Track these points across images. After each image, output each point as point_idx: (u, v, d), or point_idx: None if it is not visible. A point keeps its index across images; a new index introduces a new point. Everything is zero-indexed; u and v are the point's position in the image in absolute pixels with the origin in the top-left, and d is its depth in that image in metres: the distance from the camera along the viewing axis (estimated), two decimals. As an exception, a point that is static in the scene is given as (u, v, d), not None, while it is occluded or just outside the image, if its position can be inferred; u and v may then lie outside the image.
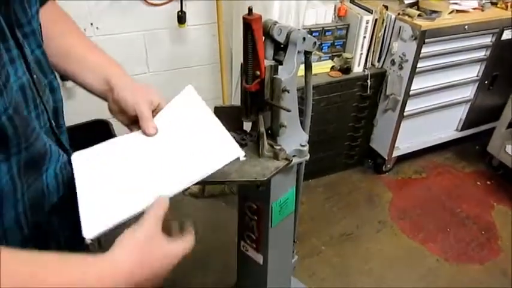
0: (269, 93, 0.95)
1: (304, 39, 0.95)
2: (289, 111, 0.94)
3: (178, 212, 2.02)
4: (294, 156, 1.07)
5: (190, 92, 0.86)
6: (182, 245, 0.62)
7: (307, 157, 1.10)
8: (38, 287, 0.46)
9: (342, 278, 1.82)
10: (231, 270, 1.42)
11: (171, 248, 0.60)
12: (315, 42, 1.00)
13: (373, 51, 2.12)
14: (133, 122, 0.78)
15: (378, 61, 2.16)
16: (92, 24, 1.81)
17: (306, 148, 1.08)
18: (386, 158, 2.35)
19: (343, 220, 2.13)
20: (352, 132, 2.30)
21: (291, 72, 0.93)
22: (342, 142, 2.32)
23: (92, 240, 0.59)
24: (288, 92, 0.94)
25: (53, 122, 0.68)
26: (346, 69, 2.08)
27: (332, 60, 2.16)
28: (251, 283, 1.41)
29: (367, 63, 2.14)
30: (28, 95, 0.60)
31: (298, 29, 0.94)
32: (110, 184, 0.67)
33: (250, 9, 0.84)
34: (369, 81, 2.11)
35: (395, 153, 2.36)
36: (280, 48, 0.96)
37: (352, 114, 2.22)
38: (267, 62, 0.92)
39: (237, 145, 0.71)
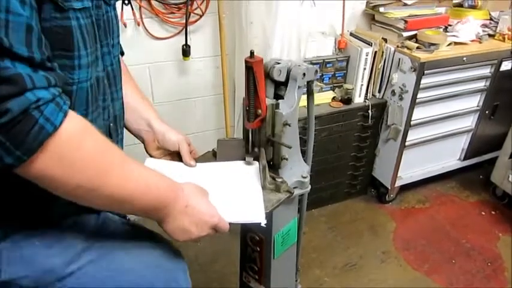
0: (270, 130, 0.97)
1: (304, 74, 0.98)
2: (290, 147, 0.96)
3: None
4: (295, 187, 1.08)
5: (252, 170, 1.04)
6: (219, 216, 0.81)
7: (309, 188, 1.12)
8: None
9: (346, 310, 1.80)
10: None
11: (213, 207, 0.81)
12: (316, 71, 1.04)
13: (374, 82, 2.17)
14: (168, 156, 1.04)
15: (379, 92, 2.20)
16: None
17: (308, 179, 1.10)
18: (389, 188, 2.35)
19: (346, 250, 2.11)
20: (355, 161, 2.31)
21: (291, 107, 0.96)
22: (344, 172, 2.33)
23: None
24: (290, 126, 0.96)
25: (111, 124, 0.83)
26: (347, 100, 2.12)
27: (333, 91, 2.20)
28: (254, 315, 1.39)
29: (368, 94, 2.18)
30: (101, 86, 0.77)
31: (299, 65, 0.98)
32: None
33: (252, 52, 0.87)
34: (370, 111, 2.15)
35: (398, 183, 2.36)
36: (282, 83, 1.00)
37: (354, 144, 2.24)
38: (268, 101, 0.95)
39: (263, 213, 0.87)
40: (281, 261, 1.22)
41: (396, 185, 2.36)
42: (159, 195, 0.72)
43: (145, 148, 1.03)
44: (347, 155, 2.27)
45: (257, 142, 1.01)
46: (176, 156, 1.03)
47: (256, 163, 1.02)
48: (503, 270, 2.04)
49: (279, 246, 1.18)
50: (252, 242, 1.21)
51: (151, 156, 1.02)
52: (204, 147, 1.12)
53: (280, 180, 0.96)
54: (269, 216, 1.01)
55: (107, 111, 0.82)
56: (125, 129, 0.97)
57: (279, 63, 0.95)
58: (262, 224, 0.84)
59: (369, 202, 2.45)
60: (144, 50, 1.93)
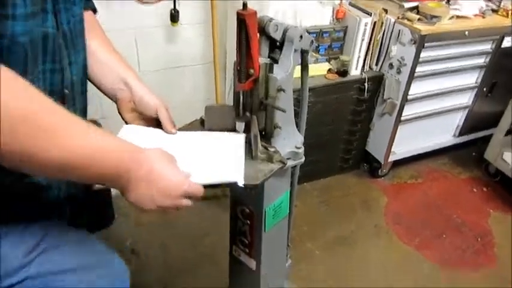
0: (263, 93, 0.91)
1: (301, 37, 0.91)
2: (284, 111, 0.90)
3: (168, 215, 1.98)
4: (288, 158, 1.03)
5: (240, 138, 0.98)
6: (188, 181, 0.72)
7: (302, 160, 1.07)
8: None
9: (336, 282, 1.79)
10: (223, 275, 1.38)
11: (181, 173, 0.72)
12: (312, 41, 0.97)
13: (371, 54, 2.10)
14: (142, 120, 0.93)
15: (376, 64, 2.14)
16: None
17: (302, 150, 1.05)
18: (382, 163, 2.32)
19: (338, 224, 2.10)
20: (348, 135, 2.27)
21: (287, 71, 0.90)
22: (337, 145, 2.29)
23: None
24: (284, 92, 0.90)
25: (66, 90, 0.75)
26: (343, 72, 2.05)
27: (329, 62, 2.13)
28: (243, 288, 1.37)
29: (365, 67, 2.11)
30: (49, 45, 0.68)
31: (296, 26, 0.91)
32: None
33: (244, 4, 0.80)
34: (366, 84, 2.09)
35: (392, 158, 2.33)
36: (276, 46, 0.93)
37: (349, 117, 2.19)
38: (262, 60, 0.88)
39: (242, 172, 0.82)
40: (272, 235, 1.19)
41: (389, 160, 2.33)
42: (117, 160, 0.63)
43: (118, 109, 0.93)
44: (341, 129, 2.22)
45: (249, 106, 0.95)
46: (152, 122, 0.94)
47: (243, 134, 0.96)
48: (492, 246, 2.05)
49: (270, 219, 1.14)
50: (243, 215, 1.17)
51: (123, 119, 0.93)
52: (192, 119, 1.05)
53: (273, 149, 0.91)
54: (260, 187, 0.97)
55: (60, 75, 0.73)
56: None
57: (274, 19, 0.88)
58: (240, 184, 0.78)
59: (361, 177, 2.43)
60: (130, 14, 1.83)
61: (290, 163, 1.03)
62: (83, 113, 0.84)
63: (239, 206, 1.16)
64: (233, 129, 1.02)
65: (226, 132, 0.98)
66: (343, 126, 2.22)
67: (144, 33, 1.91)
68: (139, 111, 0.91)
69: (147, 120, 0.93)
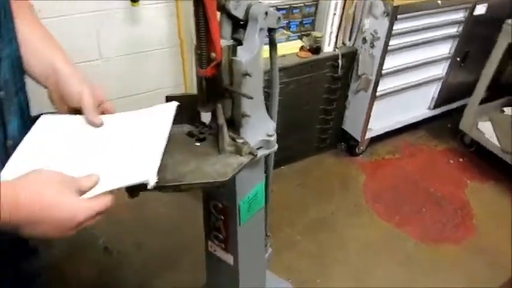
0: (228, 79, 0.82)
1: (266, 13, 0.82)
2: (251, 98, 0.81)
3: (142, 208, 1.89)
4: (260, 148, 0.95)
5: (170, 108, 0.84)
6: (89, 204, 0.61)
7: (275, 148, 0.99)
8: None
9: (320, 268, 1.75)
10: (201, 269, 1.31)
11: (71, 202, 0.59)
12: (279, 18, 0.88)
13: (344, 29, 2.02)
14: (72, 112, 0.78)
15: (349, 40, 2.06)
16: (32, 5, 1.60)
17: (274, 138, 0.97)
18: (360, 140, 2.27)
19: (317, 206, 2.05)
20: (324, 115, 2.20)
21: (252, 53, 0.80)
22: (313, 126, 2.23)
23: None
24: (250, 76, 0.81)
25: (1, 93, 0.65)
26: (316, 49, 1.97)
27: (301, 39, 2.04)
28: (222, 283, 1.30)
29: (338, 42, 2.03)
30: None
31: (259, 2, 0.81)
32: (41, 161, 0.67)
33: (200, -21, 0.70)
34: (340, 61, 2.01)
35: (368, 135, 2.29)
36: (240, 26, 0.83)
37: (324, 96, 2.12)
38: (224, 42, 0.79)
39: (154, 169, 0.68)
40: (248, 228, 1.12)
41: (366, 137, 2.29)
42: None
43: (49, 99, 0.80)
44: (316, 109, 2.15)
45: (213, 93, 0.85)
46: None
47: (174, 104, 0.83)
48: (471, 217, 2.06)
49: (245, 213, 1.07)
50: (216, 210, 1.09)
51: (57, 109, 0.80)
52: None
53: (241, 141, 0.83)
54: (231, 181, 0.89)
55: None
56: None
57: (235, -3, 0.78)
58: (151, 185, 0.66)
59: (339, 156, 2.38)
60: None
61: (262, 153, 0.96)
62: (21, 113, 0.73)
63: (212, 200, 1.08)
64: (198, 120, 0.93)
65: (158, 106, 0.85)
66: (318, 106, 2.15)
67: (104, 16, 1.76)
68: (64, 99, 0.77)
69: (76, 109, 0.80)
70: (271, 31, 0.90)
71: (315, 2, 1.97)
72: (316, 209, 2.03)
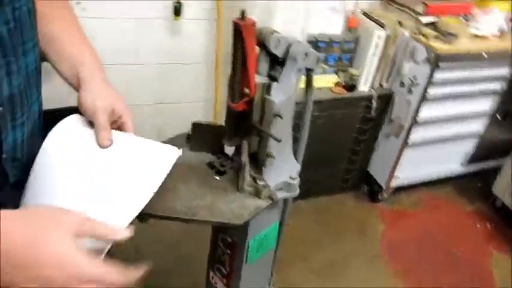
0: (258, 116, 0.78)
1: (306, 54, 0.78)
2: (279, 141, 0.77)
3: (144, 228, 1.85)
4: (280, 189, 0.90)
5: (172, 154, 0.71)
6: (107, 271, 0.48)
7: (297, 192, 0.93)
8: None
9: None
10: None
11: (82, 261, 0.46)
12: (318, 59, 0.84)
13: (382, 70, 1.96)
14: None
15: (386, 81, 2.00)
16: (78, 3, 1.62)
17: (297, 182, 0.91)
18: (384, 187, 2.18)
19: (331, 247, 1.96)
20: (351, 154, 2.13)
21: (286, 94, 0.76)
22: (338, 164, 2.16)
23: None
24: (281, 118, 0.77)
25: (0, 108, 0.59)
26: (351, 87, 1.92)
27: (337, 74, 1.99)
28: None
29: (374, 83, 1.98)
30: None
31: (300, 42, 0.77)
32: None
33: (243, 12, 0.67)
34: (374, 101, 1.95)
35: (394, 183, 2.19)
36: (277, 63, 0.79)
37: (353, 135, 2.06)
38: (259, 79, 0.75)
39: (129, 217, 0.60)
40: (254, 267, 1.06)
41: (392, 184, 2.19)
42: None
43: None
44: (343, 147, 2.09)
45: (241, 128, 0.81)
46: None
47: (178, 153, 0.70)
48: (492, 289, 1.92)
49: (253, 252, 1.01)
50: (223, 244, 1.04)
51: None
52: (190, 119, 0.90)
53: (262, 183, 0.78)
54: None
55: None
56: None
57: (277, 32, 0.74)
58: (120, 236, 0.56)
59: (360, 199, 2.29)
60: (132, 2, 1.70)
61: (281, 195, 0.90)
62: (31, 125, 0.68)
63: (221, 233, 1.03)
64: (221, 151, 0.89)
65: (165, 145, 0.73)
66: (346, 145, 2.08)
67: (147, 23, 1.78)
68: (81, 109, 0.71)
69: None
70: (309, 71, 0.86)
71: (356, 39, 1.94)
72: (330, 250, 1.95)
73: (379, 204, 2.27)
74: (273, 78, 0.78)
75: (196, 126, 0.86)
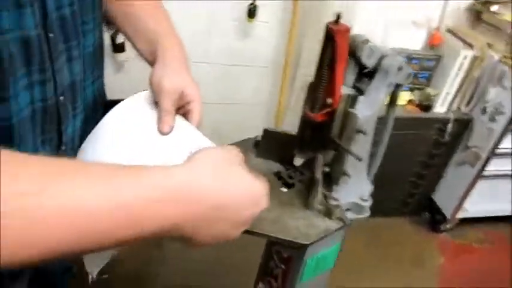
0: (338, 130, 0.72)
1: (399, 68, 0.71)
2: (359, 159, 0.70)
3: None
4: (348, 210, 0.84)
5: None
6: (263, 183, 0.48)
7: (367, 215, 0.86)
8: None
9: None
10: None
11: (254, 180, 0.46)
12: (410, 75, 0.76)
13: (463, 93, 1.81)
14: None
15: (466, 105, 1.85)
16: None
17: (368, 204, 0.85)
18: (449, 217, 2.02)
19: (381, 276, 1.84)
20: (416, 178, 1.99)
21: (372, 109, 0.70)
22: (400, 186, 2.02)
23: None
24: (364, 134, 0.70)
25: (61, 98, 0.54)
26: (426, 107, 1.79)
27: (412, 92, 1.87)
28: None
29: (452, 105, 1.83)
30: (32, 51, 0.48)
31: (394, 54, 0.70)
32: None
33: (338, 16, 0.61)
34: (450, 125, 1.81)
35: (461, 214, 2.02)
36: (365, 75, 0.73)
37: (421, 159, 1.92)
38: (345, 90, 0.69)
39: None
40: (308, 286, 1.00)
41: (458, 216, 2.02)
42: (158, 219, 0.38)
43: None
44: (409, 169, 1.96)
45: (316, 141, 0.76)
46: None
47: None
48: None
49: (310, 270, 0.95)
50: (278, 257, 0.98)
51: None
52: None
53: (334, 203, 0.72)
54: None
55: (50, 85, 0.52)
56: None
57: (370, 41, 0.68)
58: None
59: (419, 226, 2.14)
60: (205, 2, 1.70)
61: (350, 216, 0.84)
62: (86, 112, 0.64)
63: (275, 246, 0.98)
64: (289, 162, 0.84)
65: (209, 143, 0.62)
66: (412, 167, 1.95)
67: (219, 23, 1.78)
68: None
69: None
70: (397, 86, 0.79)
71: (438, 57, 1.81)
72: (379, 279, 1.82)
73: (440, 234, 2.10)
74: (359, 91, 0.72)
75: (267, 133, 0.81)
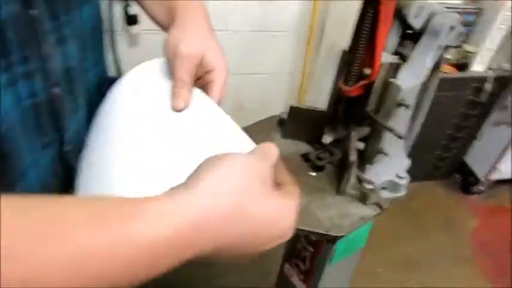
0: (375, 104, 0.62)
1: (451, 28, 0.60)
2: (400, 137, 0.61)
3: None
4: (383, 188, 0.76)
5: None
6: (294, 198, 0.36)
7: (403, 193, 0.78)
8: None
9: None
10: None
11: (283, 210, 0.34)
12: (460, 35, 0.65)
13: (506, 49, 1.64)
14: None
15: (509, 63, 1.68)
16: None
17: (405, 181, 0.76)
18: (481, 179, 1.92)
19: (411, 242, 1.78)
20: (448, 141, 1.88)
21: (418, 78, 0.60)
22: (431, 149, 1.91)
23: None
24: (406, 108, 0.60)
25: (55, 90, 0.45)
26: (462, 66, 1.64)
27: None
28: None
29: (492, 63, 1.67)
30: (6, 36, 0.37)
31: (447, 12, 0.59)
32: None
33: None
34: (488, 84, 1.66)
35: (494, 176, 1.91)
36: (409, 37, 0.62)
37: (454, 120, 1.79)
38: (386, 57, 0.59)
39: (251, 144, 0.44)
40: (337, 268, 0.94)
41: (491, 177, 1.91)
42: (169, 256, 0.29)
43: None
44: (441, 132, 1.84)
45: (348, 117, 0.66)
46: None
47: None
48: None
49: (340, 253, 0.89)
50: (306, 240, 0.93)
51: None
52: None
53: (369, 186, 0.64)
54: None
55: (37, 76, 0.43)
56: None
57: None
58: None
59: (450, 189, 2.04)
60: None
61: (385, 195, 0.76)
62: (89, 100, 0.54)
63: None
64: (317, 140, 0.75)
65: (245, 139, 0.48)
66: (445, 130, 1.83)
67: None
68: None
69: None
70: (444, 49, 0.68)
71: (478, 10, 1.63)
72: (409, 245, 1.76)
73: (473, 197, 2.01)
74: (402, 57, 0.61)
75: (293, 110, 0.72)
